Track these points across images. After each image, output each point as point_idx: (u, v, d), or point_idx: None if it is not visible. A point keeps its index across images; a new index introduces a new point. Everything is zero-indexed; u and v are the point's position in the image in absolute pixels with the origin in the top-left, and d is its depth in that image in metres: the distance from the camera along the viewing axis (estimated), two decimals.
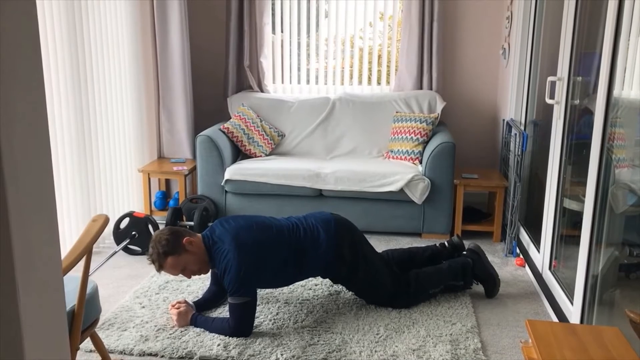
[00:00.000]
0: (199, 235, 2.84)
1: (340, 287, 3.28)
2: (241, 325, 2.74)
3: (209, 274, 3.18)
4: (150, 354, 2.62)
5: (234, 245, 2.72)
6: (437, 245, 3.40)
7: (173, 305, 2.90)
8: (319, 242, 2.90)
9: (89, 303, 2.13)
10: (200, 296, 3.10)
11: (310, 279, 3.36)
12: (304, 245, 2.89)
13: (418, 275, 3.10)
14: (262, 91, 4.87)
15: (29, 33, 1.06)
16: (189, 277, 2.82)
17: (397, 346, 2.68)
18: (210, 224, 2.92)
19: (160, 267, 2.72)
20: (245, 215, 2.99)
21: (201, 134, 4.22)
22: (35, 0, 1.09)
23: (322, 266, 2.95)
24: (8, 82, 1.01)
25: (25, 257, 1.06)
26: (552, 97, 3.12)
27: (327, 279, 3.28)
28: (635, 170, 2.34)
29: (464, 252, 3.33)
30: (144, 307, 3.06)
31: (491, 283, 3.21)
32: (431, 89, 4.63)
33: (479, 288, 3.25)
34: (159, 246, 2.69)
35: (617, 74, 2.33)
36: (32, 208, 1.09)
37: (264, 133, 4.50)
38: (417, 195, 3.96)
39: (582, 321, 2.55)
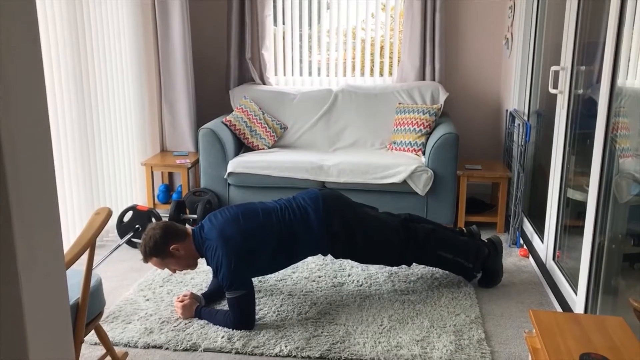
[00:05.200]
0: (191, 234, 2.83)
1: (344, 278, 3.28)
2: (242, 318, 2.74)
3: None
4: (154, 347, 2.64)
5: (221, 241, 2.73)
6: (456, 228, 3.39)
7: (178, 299, 2.91)
8: (309, 222, 2.88)
9: (93, 296, 2.14)
10: (206, 288, 3.11)
11: (314, 271, 3.36)
12: (294, 226, 2.86)
13: (434, 231, 3.09)
14: (264, 83, 4.86)
15: (28, 26, 1.06)
16: (174, 272, 2.90)
17: (400, 337, 2.68)
18: None
19: (145, 261, 2.81)
20: (234, 205, 2.96)
21: (203, 127, 4.21)
22: None
23: (316, 245, 2.94)
24: (7, 75, 1.00)
25: (27, 251, 1.06)
26: (555, 86, 3.11)
27: (333, 268, 3.28)
28: (639, 160, 2.32)
29: (485, 240, 3.29)
30: (148, 299, 3.07)
31: (493, 278, 3.21)
32: (434, 79, 4.61)
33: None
34: (147, 244, 2.74)
35: (621, 63, 2.31)
36: (34, 202, 1.09)
37: (266, 125, 4.49)
38: (420, 186, 3.95)
39: (586, 311, 2.54)
